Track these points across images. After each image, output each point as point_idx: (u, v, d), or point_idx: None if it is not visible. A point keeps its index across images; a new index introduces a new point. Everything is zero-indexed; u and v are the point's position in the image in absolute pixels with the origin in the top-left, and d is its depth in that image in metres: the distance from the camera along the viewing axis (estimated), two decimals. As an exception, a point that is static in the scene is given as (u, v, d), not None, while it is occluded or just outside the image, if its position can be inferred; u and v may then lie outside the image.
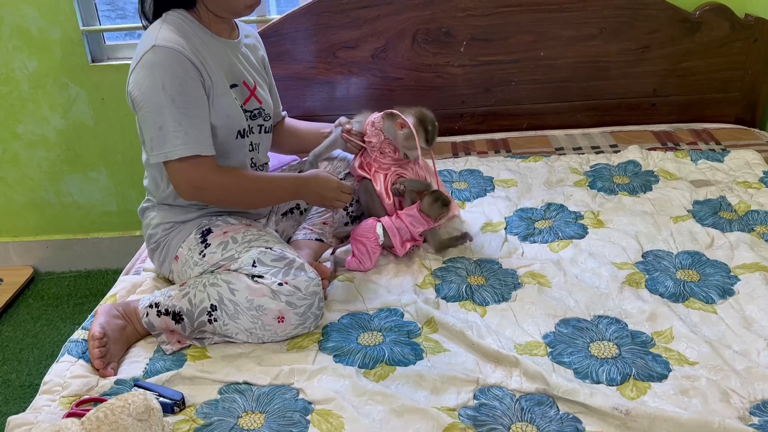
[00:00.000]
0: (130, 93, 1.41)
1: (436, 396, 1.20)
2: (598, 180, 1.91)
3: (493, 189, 1.92)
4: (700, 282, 1.46)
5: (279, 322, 1.35)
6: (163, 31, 1.40)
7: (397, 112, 1.62)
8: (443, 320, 1.38)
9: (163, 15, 1.46)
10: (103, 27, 2.33)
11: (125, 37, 2.61)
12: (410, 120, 1.60)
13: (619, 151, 2.08)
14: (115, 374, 1.32)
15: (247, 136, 1.55)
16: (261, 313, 1.35)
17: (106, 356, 1.33)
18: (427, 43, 2.18)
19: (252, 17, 2.28)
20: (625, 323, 1.36)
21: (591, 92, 2.25)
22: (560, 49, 2.18)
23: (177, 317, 1.39)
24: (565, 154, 2.11)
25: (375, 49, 2.19)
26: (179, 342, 1.39)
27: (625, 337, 1.31)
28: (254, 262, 1.39)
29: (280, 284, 1.36)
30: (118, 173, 2.51)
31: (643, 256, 1.57)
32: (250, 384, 1.26)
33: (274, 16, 2.25)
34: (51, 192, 2.56)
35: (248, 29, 1.67)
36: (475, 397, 1.19)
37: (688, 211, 1.73)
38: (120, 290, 1.58)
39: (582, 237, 1.66)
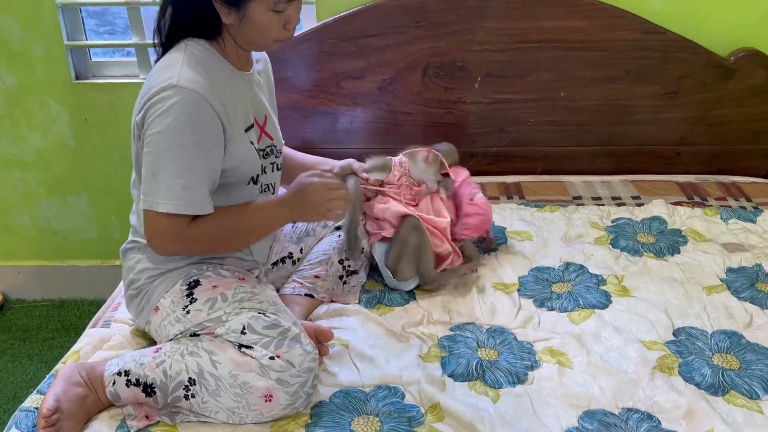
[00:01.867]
0: (137, 125, 1.25)
1: (441, 507, 1.03)
2: (621, 238, 1.75)
3: (505, 242, 1.75)
4: (741, 371, 1.30)
5: (266, 401, 1.18)
6: (186, 69, 1.22)
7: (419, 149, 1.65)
8: (450, 407, 1.20)
9: (184, 45, 1.28)
10: (89, 42, 2.16)
11: (113, 53, 2.45)
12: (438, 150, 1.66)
13: (642, 204, 1.92)
14: (68, 458, 1.14)
15: (258, 182, 1.38)
16: (246, 391, 1.17)
17: (55, 438, 1.14)
18: (439, 77, 2.02)
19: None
20: (658, 420, 1.19)
21: (612, 137, 2.09)
22: (582, 89, 2.02)
23: (148, 389, 1.21)
24: (583, 204, 1.94)
25: (382, 81, 2.03)
26: (147, 417, 1.21)
27: (660, 438, 1.14)
28: (244, 328, 1.22)
29: (272, 358, 1.18)
30: (100, 199, 2.33)
31: (674, 333, 1.40)
32: (225, 480, 1.08)
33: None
34: (26, 215, 2.37)
35: (263, 57, 1.50)
36: None
37: (722, 280, 1.57)
38: (85, 345, 1.40)
39: (605, 307, 1.49)
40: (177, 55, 1.25)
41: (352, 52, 2.00)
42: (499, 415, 1.19)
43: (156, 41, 1.31)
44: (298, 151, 1.72)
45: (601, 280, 1.58)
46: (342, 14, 1.97)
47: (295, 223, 1.59)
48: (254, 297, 1.29)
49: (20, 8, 2.05)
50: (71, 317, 2.39)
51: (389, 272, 1.54)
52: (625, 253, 1.69)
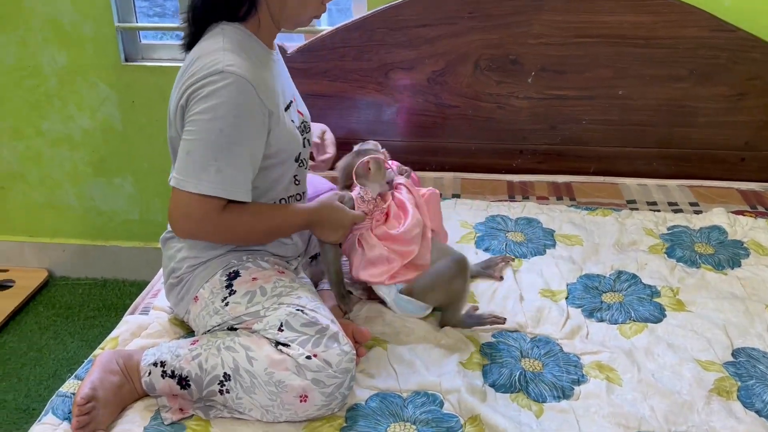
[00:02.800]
0: (180, 108, 1.23)
1: None
2: (677, 247, 1.66)
3: (554, 245, 1.68)
4: (808, 398, 1.21)
5: (301, 401, 1.15)
6: (229, 54, 1.21)
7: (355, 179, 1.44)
8: (491, 420, 1.15)
9: (220, 29, 1.26)
10: (139, 25, 2.16)
11: (162, 36, 2.44)
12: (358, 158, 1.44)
13: (701, 211, 1.82)
14: (100, 446, 1.13)
15: (300, 160, 1.38)
16: (281, 390, 1.14)
17: (89, 425, 1.13)
18: (491, 71, 1.95)
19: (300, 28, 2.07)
20: (715, 448, 1.11)
21: (672, 139, 1.99)
22: (641, 88, 1.93)
23: (183, 382, 1.19)
24: (638, 209, 1.85)
25: (432, 73, 1.97)
26: (181, 410, 1.19)
27: (716, 469, 1.07)
28: (281, 325, 1.19)
29: (308, 357, 1.15)
30: (144, 181, 2.34)
31: (733, 354, 1.32)
32: (256, 481, 1.06)
33: (324, 28, 2.04)
34: (72, 194, 2.40)
35: None
36: None
37: (787, 299, 1.48)
38: (123, 332, 1.39)
39: (659, 321, 1.41)
40: (216, 40, 1.23)
41: (402, 42, 1.94)
42: (541, 431, 1.14)
43: (187, 20, 1.29)
44: (343, 142, 1.68)
45: (654, 292, 1.50)
46: (393, 3, 1.92)
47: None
48: (293, 292, 1.26)
49: (73, -12, 2.06)
50: (112, 297, 2.42)
51: (402, 297, 1.40)
52: (681, 264, 1.60)
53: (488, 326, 1.39)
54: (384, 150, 1.51)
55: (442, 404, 1.21)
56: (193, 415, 1.19)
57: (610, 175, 2.03)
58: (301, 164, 1.40)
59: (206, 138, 1.19)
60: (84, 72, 2.18)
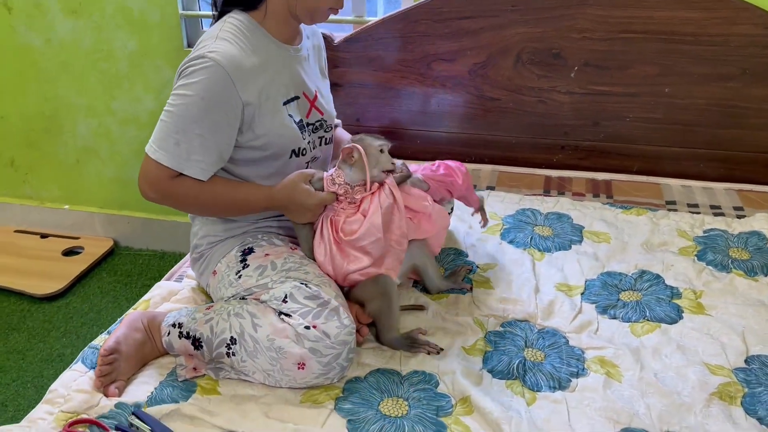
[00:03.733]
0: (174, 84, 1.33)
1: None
2: (710, 250, 1.61)
3: (580, 241, 1.67)
4: (816, 412, 1.16)
5: (299, 368, 1.21)
6: (220, 42, 1.30)
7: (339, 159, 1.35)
8: (480, 403, 1.17)
9: (225, 18, 1.35)
10: (201, 12, 2.28)
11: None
12: (349, 145, 1.34)
13: (744, 216, 1.75)
14: (119, 394, 1.23)
15: (303, 155, 1.42)
16: (280, 356, 1.21)
17: (110, 374, 1.24)
18: (533, 64, 1.95)
19: (349, 17, 2.14)
20: (706, 451, 1.09)
21: (720, 141, 1.92)
22: (689, 87, 1.87)
23: (197, 343, 1.28)
24: (676, 210, 1.81)
25: (474, 65, 1.99)
26: (195, 369, 1.29)
27: (701, 470, 1.05)
28: (285, 297, 1.26)
29: (307, 327, 1.21)
30: (201, 161, 2.48)
31: (746, 361, 1.28)
32: (250, 438, 1.13)
33: (371, 19, 2.09)
34: (138, 170, 2.56)
35: (312, 29, 1.54)
36: None
37: (819, 309, 1.41)
38: (155, 296, 1.51)
39: (674, 322, 1.38)
40: (217, 27, 1.32)
41: (444, 33, 1.97)
42: (529, 419, 1.15)
43: (213, 7, 1.38)
44: (385, 131, 1.73)
45: (675, 293, 1.47)
46: (436, -5, 1.95)
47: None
48: (301, 268, 1.33)
49: (142, -22, 2.21)
50: (168, 268, 2.56)
51: None
52: (710, 267, 1.56)
53: (419, 352, 1.31)
54: (403, 164, 1.39)
55: (437, 384, 1.24)
56: (205, 374, 1.28)
57: (655, 175, 1.98)
58: (311, 162, 1.45)
59: (174, 112, 1.28)
60: (150, 56, 2.33)
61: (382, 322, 1.34)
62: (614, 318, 1.41)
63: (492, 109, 2.03)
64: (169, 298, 1.51)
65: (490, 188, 1.95)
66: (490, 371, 1.27)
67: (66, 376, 1.27)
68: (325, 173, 1.35)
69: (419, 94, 2.06)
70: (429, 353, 1.31)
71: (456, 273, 1.54)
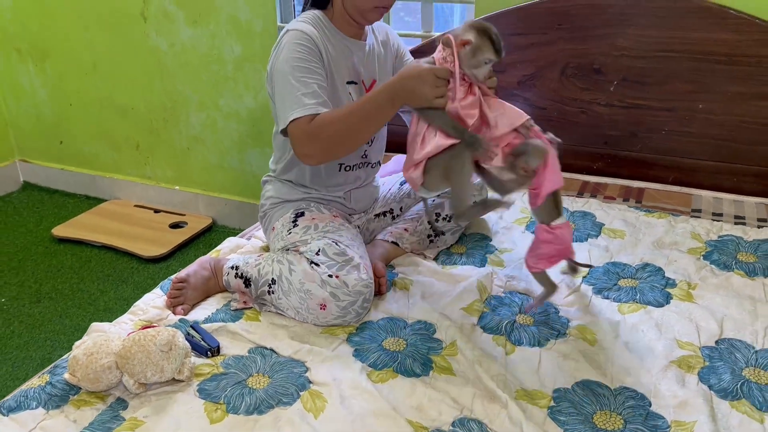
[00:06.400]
0: (268, 72, 1.61)
1: (418, 412, 1.24)
2: (717, 252, 1.73)
3: (597, 236, 1.84)
4: (767, 386, 1.28)
5: (321, 308, 1.49)
6: (297, 22, 1.60)
7: (450, 36, 1.39)
8: (464, 347, 1.40)
9: (307, 11, 1.66)
10: (296, 25, 2.65)
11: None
12: (469, 35, 1.38)
13: (765, 227, 1.84)
14: (185, 314, 1.56)
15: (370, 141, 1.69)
16: (308, 296, 1.49)
17: (178, 298, 1.58)
18: (576, 78, 2.14)
19: (419, 32, 2.42)
20: (649, 402, 1.25)
21: (756, 157, 2.01)
22: (723, 104, 1.99)
23: (247, 282, 1.60)
24: (700, 217, 1.92)
25: (522, 76, 2.20)
26: (245, 303, 1.60)
27: (639, 415, 1.22)
28: (318, 251, 1.54)
29: (330, 276, 1.49)
30: (287, 153, 2.85)
31: (716, 342, 1.41)
32: (275, 351, 1.42)
33: (436, 34, 2.37)
34: (236, 159, 2.98)
35: (385, 28, 1.79)
36: (453, 424, 1.21)
37: (806, 308, 1.50)
38: (224, 248, 1.85)
39: (660, 306, 1.53)
40: (297, 18, 1.63)
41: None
42: (502, 363, 1.36)
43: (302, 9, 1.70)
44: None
45: (671, 283, 1.61)
46: (493, 13, 2.18)
47: (400, 108, 1.48)
48: (337, 230, 1.61)
49: (250, -7, 2.62)
50: (254, 246, 2.95)
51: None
52: (713, 266, 1.68)
53: (492, 210, 1.47)
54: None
55: (434, 332, 1.47)
56: (252, 307, 1.59)
57: (690, 186, 2.09)
58: (367, 143, 1.70)
59: (285, 80, 1.51)
60: (252, 60, 2.73)
61: (456, 189, 1.42)
62: (606, 299, 1.58)
63: (538, 117, 2.17)
64: (236, 250, 1.84)
65: (529, 188, 2.15)
66: (482, 327, 1.49)
67: (147, 296, 1.63)
68: (435, 55, 1.41)
69: (474, 101, 2.30)
70: (498, 206, 1.50)
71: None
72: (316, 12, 1.64)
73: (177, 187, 3.19)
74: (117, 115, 3.16)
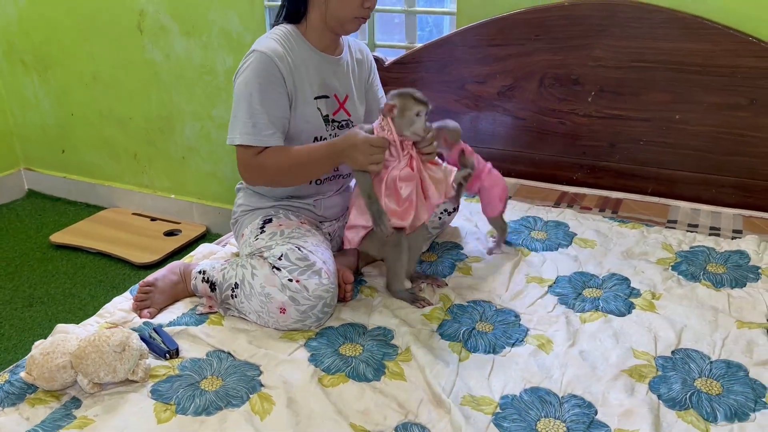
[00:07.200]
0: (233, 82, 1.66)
1: (364, 416, 1.25)
2: (686, 263, 1.72)
3: (567, 246, 1.84)
4: (717, 396, 1.27)
5: (281, 312, 1.51)
6: (266, 40, 1.63)
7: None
8: (417, 353, 1.41)
9: (276, 27, 1.69)
10: (285, 36, 2.70)
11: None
12: (393, 101, 1.51)
13: (738, 238, 1.83)
14: (150, 317, 1.59)
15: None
16: (268, 300, 1.51)
17: (145, 301, 1.61)
18: (554, 88, 2.14)
19: (403, 43, 2.45)
20: (596, 410, 1.25)
21: (733, 168, 2.00)
22: (699, 114, 1.98)
23: (212, 286, 1.62)
24: (674, 228, 1.91)
25: (502, 87, 2.22)
26: (210, 307, 1.63)
27: (582, 422, 1.21)
28: (281, 256, 1.57)
29: (290, 280, 1.51)
30: (277, 162, 2.88)
31: (672, 352, 1.40)
32: (232, 355, 1.44)
33: (417, 44, 2.39)
34: (230, 168, 3.03)
35: (361, 47, 1.82)
36: (396, 429, 1.22)
37: (768, 320, 1.49)
38: (197, 253, 1.88)
39: (621, 315, 1.53)
40: (266, 34, 1.66)
41: (477, 58, 2.22)
42: (454, 370, 1.36)
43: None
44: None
45: (635, 293, 1.60)
46: (473, 24, 2.20)
47: (339, 166, 1.67)
48: (302, 236, 1.63)
49: (240, 6, 2.66)
50: (245, 254, 2.99)
51: None
52: (680, 276, 1.67)
53: (414, 306, 1.58)
54: (458, 132, 1.74)
55: (392, 338, 1.49)
56: (217, 311, 1.62)
57: (669, 197, 2.08)
58: None
59: (242, 102, 1.58)
60: (243, 71, 2.78)
61: (390, 271, 1.62)
62: (570, 308, 1.58)
63: (517, 128, 2.24)
64: (208, 256, 1.87)
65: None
66: (440, 334, 1.50)
67: (116, 299, 1.66)
68: (374, 124, 1.54)
69: (455, 112, 2.32)
70: (422, 305, 1.59)
71: (420, 284, 1.68)
72: (288, 27, 1.67)
73: (173, 196, 3.24)
74: (116, 124, 3.23)
